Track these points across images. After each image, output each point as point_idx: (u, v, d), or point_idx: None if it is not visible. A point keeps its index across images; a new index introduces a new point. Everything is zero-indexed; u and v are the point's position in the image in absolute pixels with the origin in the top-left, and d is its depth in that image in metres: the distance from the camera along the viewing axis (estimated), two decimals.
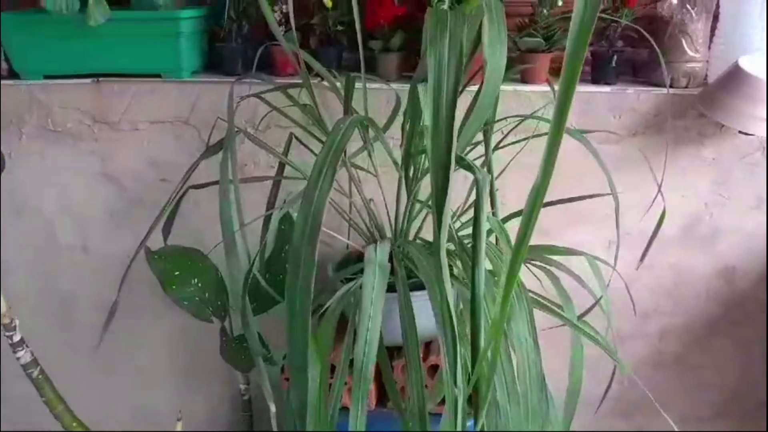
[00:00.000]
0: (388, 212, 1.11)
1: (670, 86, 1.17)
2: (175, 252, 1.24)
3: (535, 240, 1.21)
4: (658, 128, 1.20)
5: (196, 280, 1.26)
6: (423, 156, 0.88)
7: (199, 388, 1.51)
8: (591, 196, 0.97)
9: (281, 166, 1.14)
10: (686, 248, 1.30)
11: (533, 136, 1.03)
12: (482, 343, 0.61)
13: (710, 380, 1.43)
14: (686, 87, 1.18)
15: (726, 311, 1.35)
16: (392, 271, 1.02)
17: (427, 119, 0.71)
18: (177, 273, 1.24)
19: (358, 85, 1.00)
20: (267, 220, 1.16)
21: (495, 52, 0.72)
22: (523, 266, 0.78)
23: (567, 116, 0.42)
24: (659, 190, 1.02)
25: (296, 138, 1.12)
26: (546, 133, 1.05)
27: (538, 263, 0.98)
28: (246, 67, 1.28)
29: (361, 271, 1.00)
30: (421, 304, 0.80)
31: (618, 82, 1.21)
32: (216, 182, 0.97)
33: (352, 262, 1.20)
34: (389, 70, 1.23)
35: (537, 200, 0.39)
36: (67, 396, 1.23)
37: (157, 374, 1.50)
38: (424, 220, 1.04)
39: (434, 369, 1.11)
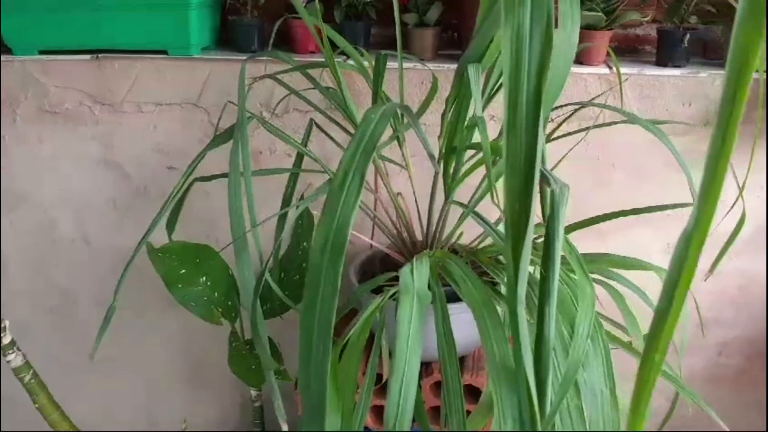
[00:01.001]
0: (418, 209, 0.97)
1: None
2: (181, 248, 1.12)
3: (588, 242, 1.07)
4: None
5: (204, 279, 1.15)
6: (464, 152, 0.74)
7: (207, 391, 1.41)
8: (677, 206, 0.82)
9: (300, 156, 1.01)
10: (757, 252, 1.15)
11: (594, 126, 0.88)
12: (549, 403, 0.47)
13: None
14: (765, 70, 1.01)
15: None
16: None
17: (477, 111, 0.57)
18: (183, 271, 1.13)
19: (390, 64, 0.86)
20: (282, 215, 1.03)
21: (567, 23, 0.58)
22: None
23: (737, 121, 0.28)
24: (740, 193, 0.87)
25: (317, 125, 0.98)
26: (609, 123, 0.92)
27: (596, 276, 0.84)
28: (262, 43, 1.14)
29: (390, 280, 0.87)
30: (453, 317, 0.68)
31: (688, 65, 1.05)
32: (225, 175, 0.85)
33: (377, 263, 1.07)
34: (424, 48, 1.08)
35: (689, 256, 0.25)
36: (66, 397, 1.13)
37: (162, 376, 1.40)
38: (461, 221, 0.90)
39: (467, 389, 0.99)
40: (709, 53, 1.12)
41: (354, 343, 0.62)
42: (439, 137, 0.79)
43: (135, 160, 1.20)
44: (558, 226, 0.46)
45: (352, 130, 0.93)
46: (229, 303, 1.18)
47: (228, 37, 1.18)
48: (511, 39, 0.35)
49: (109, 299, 1.13)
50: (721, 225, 0.97)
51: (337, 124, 0.97)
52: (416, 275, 0.56)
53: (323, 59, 1.08)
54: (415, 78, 1.07)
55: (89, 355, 0.96)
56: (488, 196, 0.92)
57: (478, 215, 0.66)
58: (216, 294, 1.16)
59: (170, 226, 1.05)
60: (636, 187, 1.10)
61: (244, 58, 1.10)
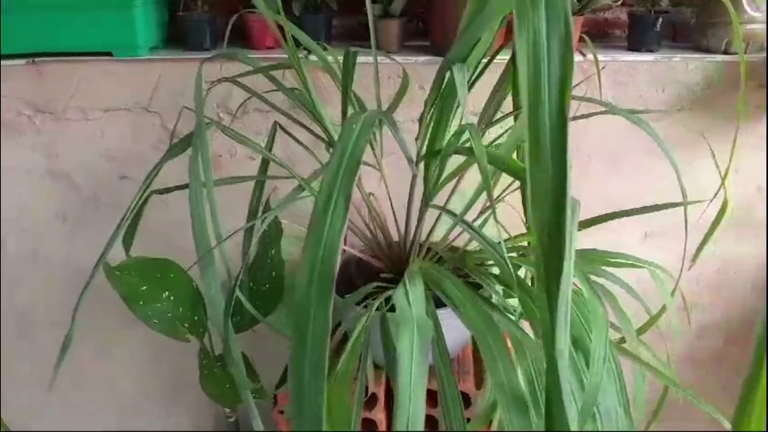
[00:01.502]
0: (393, 211, 0.93)
1: (724, 52, 0.99)
2: (141, 264, 1.05)
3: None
4: (707, 103, 1.02)
5: (167, 294, 1.08)
6: (448, 157, 0.70)
7: (178, 406, 1.34)
8: (670, 206, 0.80)
9: (265, 161, 0.95)
10: (734, 236, 1.14)
11: (573, 119, 0.84)
12: None
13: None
14: (744, 53, 0.99)
15: None
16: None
17: (465, 117, 0.52)
18: (144, 288, 1.06)
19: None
20: (254, 211, 0.97)
21: None
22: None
23: None
24: (722, 182, 0.85)
25: (281, 127, 0.92)
26: (589, 114, 0.88)
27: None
28: (215, 39, 1.07)
29: (373, 292, 0.82)
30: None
31: (660, 49, 1.03)
32: (184, 186, 0.79)
33: (353, 267, 1.02)
34: (390, 40, 1.03)
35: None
36: (32, 420, 1.05)
37: (130, 391, 1.32)
38: (437, 221, 0.86)
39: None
40: (679, 36, 1.10)
41: (344, 372, 0.57)
42: (416, 138, 0.74)
43: (83, 170, 1.11)
44: (569, 240, 0.42)
45: (319, 131, 0.87)
46: (196, 318, 1.11)
47: (177, 34, 1.10)
48: (527, 53, 0.31)
49: (67, 317, 1.05)
50: (699, 210, 0.96)
51: (301, 124, 0.90)
52: (413, 300, 0.51)
53: (283, 55, 1.02)
54: (382, 72, 1.01)
55: (52, 377, 0.89)
56: (457, 194, 0.88)
57: (468, 225, 0.62)
58: (180, 309, 1.09)
59: (127, 242, 0.98)
60: (614, 174, 1.08)
61: (197, 57, 1.03)
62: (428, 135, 0.68)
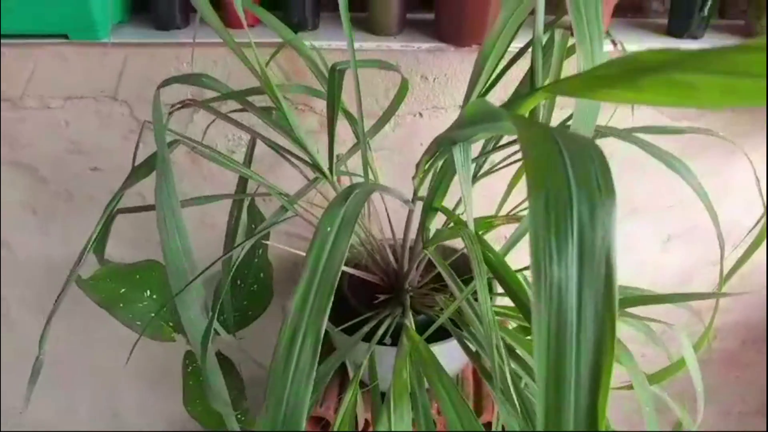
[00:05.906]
0: (389, 217, 0.84)
1: None
2: (116, 271, 0.97)
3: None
4: None
5: (149, 293, 1.02)
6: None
7: (169, 388, 1.30)
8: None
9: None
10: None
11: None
12: None
13: (760, 377, 1.23)
14: None
15: None
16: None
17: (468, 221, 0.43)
18: (123, 290, 0.99)
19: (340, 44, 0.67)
20: (232, 234, 0.88)
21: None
22: None
23: None
24: (766, 211, 0.74)
25: (262, 139, 0.80)
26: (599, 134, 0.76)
27: None
28: (187, 12, 0.93)
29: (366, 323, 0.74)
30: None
31: (705, 35, 0.88)
32: (149, 207, 0.70)
33: (344, 284, 0.93)
34: (389, 20, 0.88)
35: None
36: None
37: (119, 377, 1.28)
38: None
39: None
40: (730, 9, 0.94)
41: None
42: (413, 177, 0.63)
43: (50, 163, 1.00)
44: None
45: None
46: None
47: (143, 6, 0.95)
48: (546, 324, 0.20)
49: (39, 303, 0.97)
50: (726, 214, 0.85)
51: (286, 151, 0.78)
52: None
53: (268, 39, 0.89)
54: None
55: (34, 365, 0.82)
56: None
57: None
58: (165, 308, 1.03)
59: (99, 253, 0.89)
60: (635, 179, 0.96)
61: (166, 41, 0.90)
62: (427, 189, 0.57)
